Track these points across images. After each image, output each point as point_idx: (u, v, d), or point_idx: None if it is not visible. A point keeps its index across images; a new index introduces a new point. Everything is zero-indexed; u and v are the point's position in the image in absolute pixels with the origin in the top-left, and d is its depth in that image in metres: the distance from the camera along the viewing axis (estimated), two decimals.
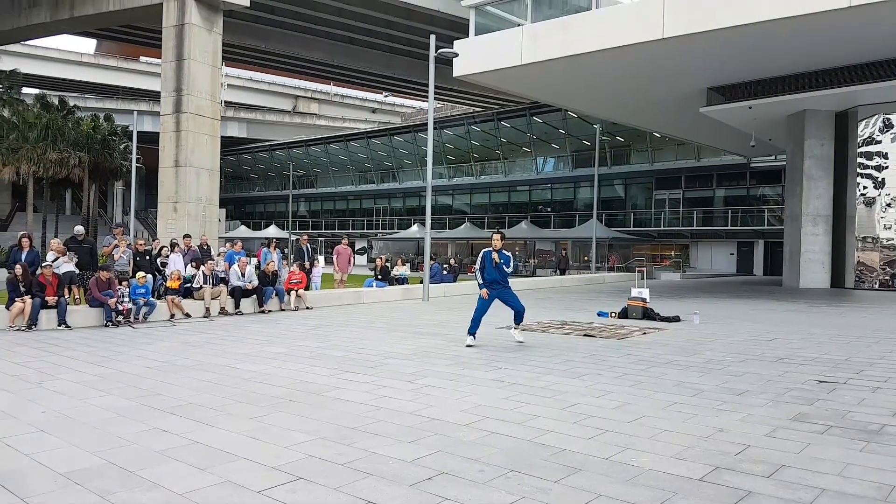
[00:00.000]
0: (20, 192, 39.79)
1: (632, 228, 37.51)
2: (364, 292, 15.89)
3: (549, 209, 42.08)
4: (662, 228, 37.08)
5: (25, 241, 11.20)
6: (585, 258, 35.53)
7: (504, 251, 8.73)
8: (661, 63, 17.92)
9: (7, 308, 10.05)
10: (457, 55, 17.39)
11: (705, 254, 37.09)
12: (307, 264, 15.27)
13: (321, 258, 20.53)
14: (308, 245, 16.38)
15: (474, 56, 18.73)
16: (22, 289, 10.12)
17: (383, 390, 5.90)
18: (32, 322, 10.01)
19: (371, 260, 32.48)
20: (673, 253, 38.57)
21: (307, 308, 13.57)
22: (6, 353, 8.00)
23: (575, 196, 40.98)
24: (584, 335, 9.64)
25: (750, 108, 20.14)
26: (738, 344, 8.82)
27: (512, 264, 8.80)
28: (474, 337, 8.67)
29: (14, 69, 35.63)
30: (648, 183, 38.08)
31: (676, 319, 11.48)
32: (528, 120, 39.70)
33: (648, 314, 11.72)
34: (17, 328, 9.91)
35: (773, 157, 31.54)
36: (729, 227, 34.72)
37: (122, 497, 3.39)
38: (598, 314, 12.44)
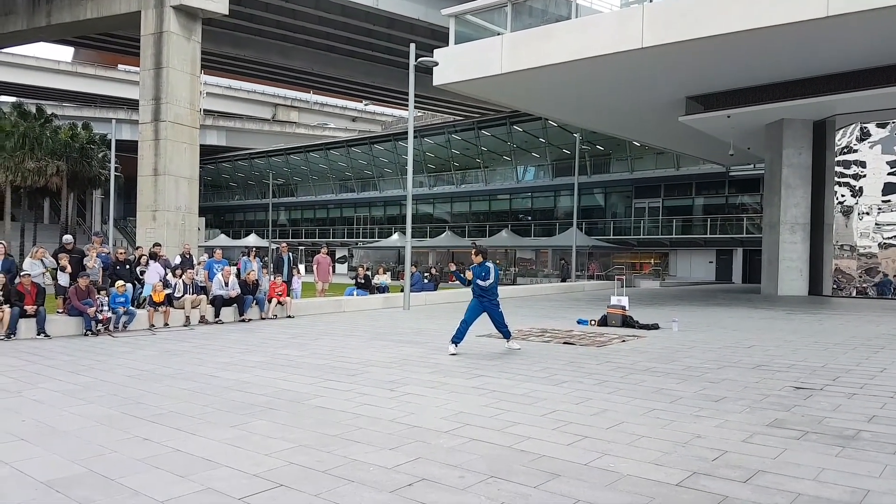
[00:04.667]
0: None
1: (612, 237, 37.87)
2: (345, 301, 15.85)
3: (529, 218, 42.34)
4: (642, 237, 37.48)
5: (1, 249, 11.00)
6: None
7: (486, 263, 8.74)
8: (640, 72, 18.19)
9: None
10: (437, 64, 17.48)
11: (684, 262, 37.54)
12: (286, 274, 15.15)
13: (302, 267, 20.42)
14: (289, 254, 16.31)
15: (454, 65, 18.85)
16: (0, 298, 9.96)
17: (364, 398, 5.92)
18: (11, 331, 9.86)
19: (352, 269, 32.39)
20: (652, 261, 38.96)
21: (288, 317, 13.51)
22: None
23: (555, 204, 41.31)
24: (564, 343, 9.73)
25: (728, 117, 20.49)
26: (716, 351, 8.94)
27: (492, 277, 8.66)
28: (457, 346, 8.71)
29: None
30: (628, 191, 38.51)
31: (655, 327, 11.61)
32: (509, 129, 39.99)
33: (628, 322, 11.82)
34: None
35: (752, 166, 32.06)
36: (708, 236, 35.20)
37: None
38: (578, 322, 12.52)
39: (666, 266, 38.00)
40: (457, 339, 8.69)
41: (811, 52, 16.37)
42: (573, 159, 32.71)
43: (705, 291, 25.73)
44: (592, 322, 12.21)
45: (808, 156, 22.01)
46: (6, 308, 9.88)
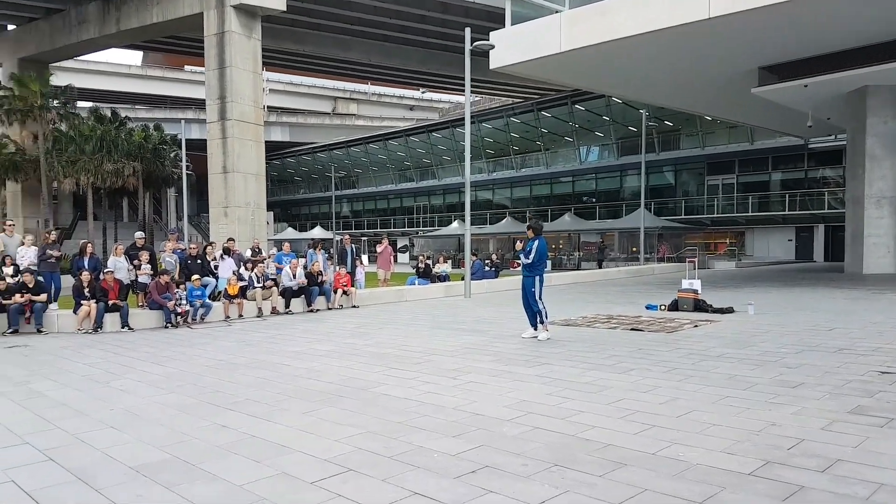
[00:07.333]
0: (80, 202, 41.74)
1: (683, 216, 36.60)
2: (406, 290, 16.05)
3: (593, 200, 41.42)
4: (716, 216, 36.03)
5: (88, 248, 11.83)
6: (633, 249, 34.90)
7: (533, 240, 8.60)
8: (709, 44, 17.38)
9: (74, 312, 10.64)
10: (493, 47, 17.24)
11: (762, 241, 35.89)
12: (350, 265, 15.54)
13: (365, 258, 20.85)
14: (352, 245, 16.65)
15: (511, 47, 18.54)
16: (87, 294, 10.67)
17: (427, 386, 6.00)
18: (98, 325, 10.56)
19: (413, 258, 32.79)
20: (727, 241, 37.50)
21: (353, 307, 13.84)
22: (76, 354, 8.48)
23: (621, 185, 40.19)
24: (632, 329, 9.51)
25: (805, 86, 19.34)
26: (794, 335, 8.56)
27: (531, 256, 8.50)
28: (535, 328, 8.68)
29: (69, 84, 37.04)
30: (700, 168, 37.03)
31: (730, 311, 11.19)
32: (570, 108, 39.16)
33: (700, 306, 11.45)
34: (84, 331, 10.49)
35: (833, 137, 30.27)
36: (786, 213, 33.50)
37: (186, 489, 3.59)
38: (647, 307, 12.23)
39: (742, 246, 36.44)
40: (531, 321, 8.73)
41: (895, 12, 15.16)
42: (640, 137, 31.71)
43: (784, 271, 24.59)
44: (662, 307, 11.90)
45: (894, 124, 20.60)
46: (92, 303, 10.59)
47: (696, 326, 9.63)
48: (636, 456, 3.94)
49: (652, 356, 7.26)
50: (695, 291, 11.67)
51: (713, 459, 3.84)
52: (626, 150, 38.49)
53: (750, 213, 34.84)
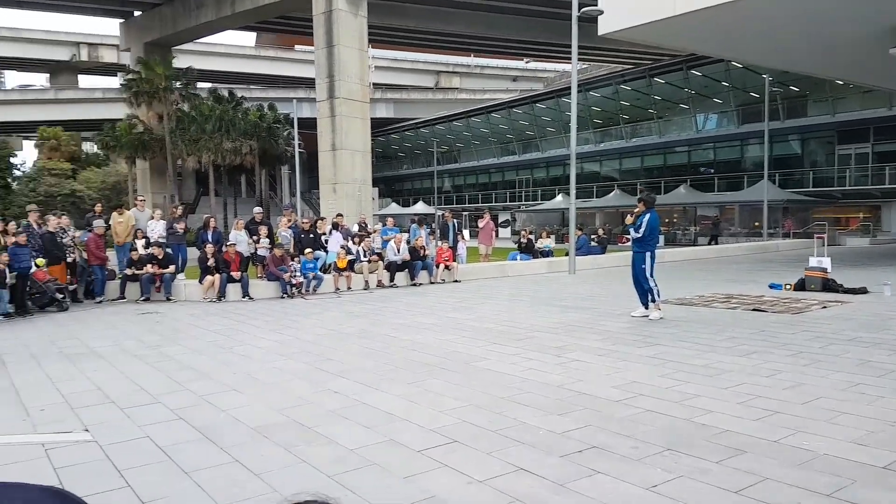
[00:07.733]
0: (202, 179, 44.85)
1: (810, 189, 33.61)
2: (508, 265, 15.97)
3: (711, 171, 38.91)
4: (847, 188, 32.75)
5: (211, 223, 12.77)
6: (756, 224, 32.61)
7: (644, 214, 8.31)
8: (840, 1, 15.66)
9: (200, 282, 11.57)
10: (601, 12, 16.51)
11: None
12: (452, 240, 15.70)
13: (466, 232, 20.97)
14: (454, 220, 16.78)
15: (621, 10, 17.59)
16: (211, 265, 11.54)
17: (530, 363, 5.96)
18: (221, 294, 11.42)
19: (515, 233, 32.51)
20: (860, 216, 34.09)
21: (455, 281, 13.99)
22: (202, 321, 9.22)
23: (742, 155, 37.44)
24: (754, 310, 8.93)
25: None
26: None
27: (642, 230, 8.24)
28: (646, 307, 8.40)
29: (189, 66, 39.51)
30: (830, 137, 33.73)
31: (863, 291, 10.33)
32: (685, 74, 36.80)
33: (829, 286, 10.61)
34: (209, 300, 11.37)
35: None
36: None
37: (302, 450, 3.80)
38: (770, 286, 11.46)
39: (877, 221, 32.98)
40: (642, 299, 8.43)
41: None
42: (763, 103, 29.30)
43: None
44: (787, 287, 11.08)
45: None
46: (217, 274, 11.44)
47: (824, 307, 8.92)
48: (756, 443, 3.70)
49: (775, 338, 6.78)
50: (824, 270, 10.83)
51: (842, 450, 3.54)
52: (748, 118, 35.70)
53: (887, 186, 31.34)
